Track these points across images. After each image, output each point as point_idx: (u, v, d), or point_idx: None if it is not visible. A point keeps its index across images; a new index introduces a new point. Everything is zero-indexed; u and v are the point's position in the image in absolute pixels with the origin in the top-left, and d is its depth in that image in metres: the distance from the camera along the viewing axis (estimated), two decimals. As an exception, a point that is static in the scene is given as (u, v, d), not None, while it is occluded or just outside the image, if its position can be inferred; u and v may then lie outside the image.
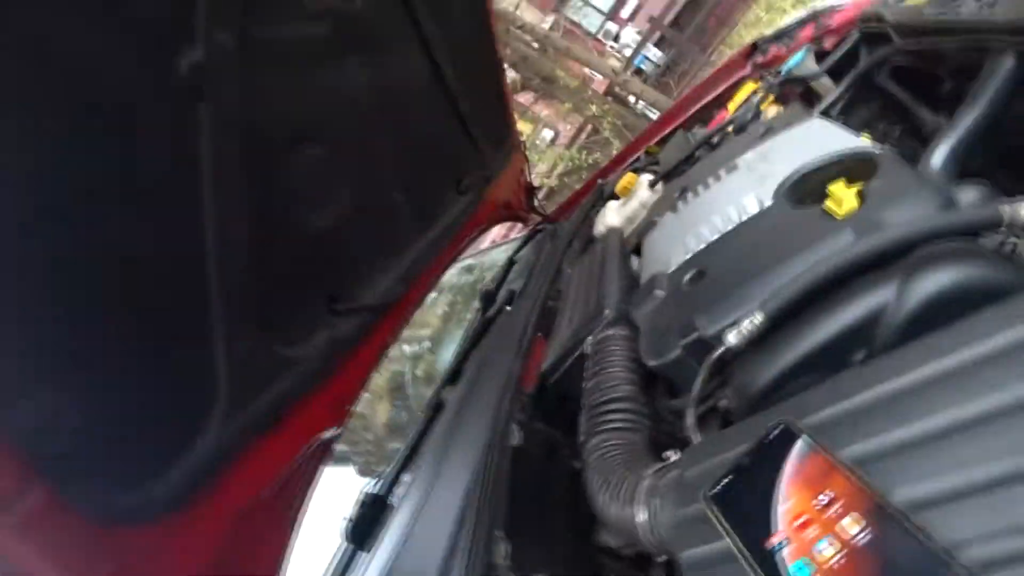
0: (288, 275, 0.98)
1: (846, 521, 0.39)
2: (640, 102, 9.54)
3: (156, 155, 0.74)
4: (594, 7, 11.43)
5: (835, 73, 1.42)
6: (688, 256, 0.96)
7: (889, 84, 1.28)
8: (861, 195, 0.77)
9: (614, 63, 10.23)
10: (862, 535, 0.38)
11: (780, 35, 1.72)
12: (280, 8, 0.98)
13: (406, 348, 2.39)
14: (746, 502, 0.49)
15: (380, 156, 1.25)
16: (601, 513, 0.73)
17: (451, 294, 2.73)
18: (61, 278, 0.64)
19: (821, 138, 0.99)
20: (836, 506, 0.40)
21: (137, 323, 0.72)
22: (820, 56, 1.49)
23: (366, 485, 1.19)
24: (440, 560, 0.84)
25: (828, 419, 0.49)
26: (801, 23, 1.65)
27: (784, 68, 1.51)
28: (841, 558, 0.38)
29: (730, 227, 0.93)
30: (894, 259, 0.64)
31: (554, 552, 0.93)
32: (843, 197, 0.78)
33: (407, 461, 1.22)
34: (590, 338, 1.01)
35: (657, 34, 11.02)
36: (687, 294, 0.87)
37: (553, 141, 10.82)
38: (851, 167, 0.85)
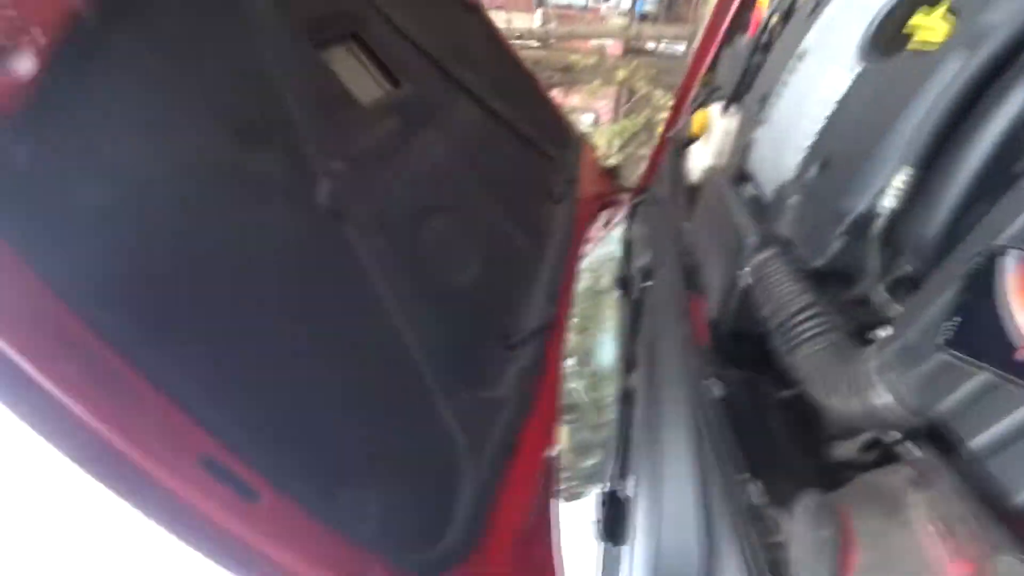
0: (464, 331, 1.12)
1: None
2: (662, 43, 9.26)
3: (334, 280, 0.90)
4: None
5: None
6: (804, 154, 0.96)
7: None
8: (949, 14, 0.75)
9: (618, 21, 10.03)
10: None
11: None
12: (357, 122, 1.14)
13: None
14: (980, 334, 0.50)
15: (482, 200, 1.38)
16: (838, 415, 0.74)
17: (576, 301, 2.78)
18: (321, 398, 0.80)
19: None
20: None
21: (386, 412, 0.87)
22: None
23: (598, 487, 1.26)
24: (701, 523, 0.88)
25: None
26: None
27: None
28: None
29: (831, 109, 0.93)
30: (1016, 58, 0.62)
31: (799, 480, 0.94)
32: (932, 25, 0.77)
33: (622, 452, 1.28)
34: (746, 270, 1.02)
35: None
36: (822, 186, 0.88)
37: (596, 122, 10.73)
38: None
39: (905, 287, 0.78)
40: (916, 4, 0.82)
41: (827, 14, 1.10)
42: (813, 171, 0.90)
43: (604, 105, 10.50)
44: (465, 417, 0.98)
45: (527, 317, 1.32)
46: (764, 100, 1.22)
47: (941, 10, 0.77)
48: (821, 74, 0.99)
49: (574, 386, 2.41)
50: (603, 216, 2.18)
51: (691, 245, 1.43)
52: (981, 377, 0.50)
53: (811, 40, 1.10)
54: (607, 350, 2.14)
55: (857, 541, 0.63)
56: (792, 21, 1.35)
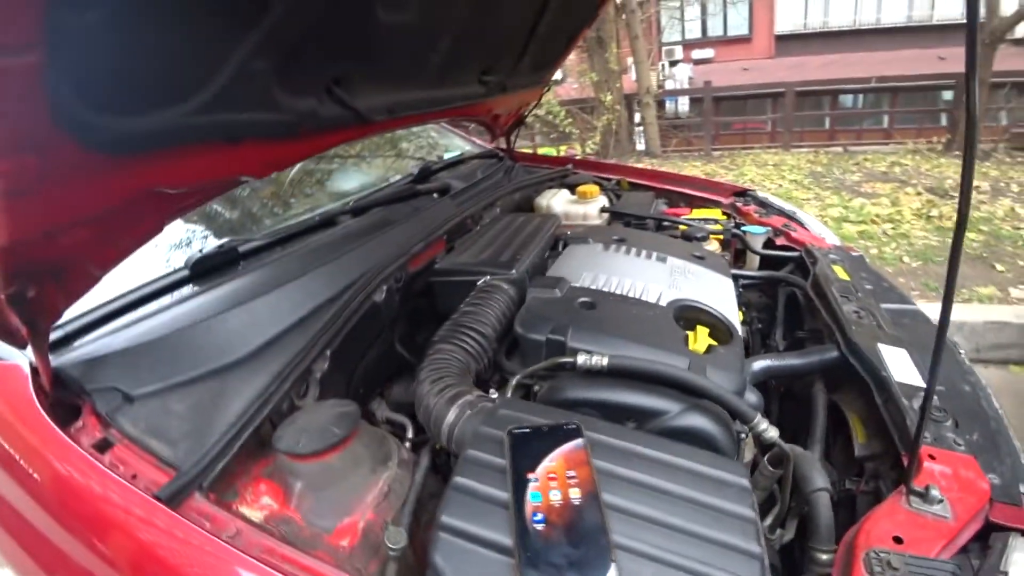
0: None
1: (574, 491, 0.66)
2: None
3: None
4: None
5: (764, 262, 1.74)
6: (592, 287, 1.20)
7: (779, 300, 1.59)
8: (709, 348, 1.06)
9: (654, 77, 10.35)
10: (575, 500, 0.65)
11: (764, 204, 2.03)
12: None
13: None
14: (527, 449, 0.73)
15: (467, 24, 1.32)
16: (418, 398, 0.93)
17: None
18: None
19: (721, 293, 1.27)
20: (574, 480, 0.67)
21: None
22: (769, 244, 1.80)
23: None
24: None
25: (603, 441, 0.75)
26: (780, 212, 1.97)
27: (745, 228, 1.82)
28: (557, 506, 0.64)
29: (630, 293, 1.19)
30: (691, 393, 0.92)
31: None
32: (699, 340, 1.08)
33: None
34: (488, 278, 1.20)
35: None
36: (576, 311, 1.11)
37: (558, 82, 10.69)
38: (719, 327, 1.14)
39: (519, 393, 1.00)
40: (711, 325, 1.12)
41: (695, 267, 1.36)
42: (582, 299, 1.14)
43: (577, 86, 10.51)
44: None
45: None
46: (622, 242, 1.45)
47: (711, 341, 1.08)
48: (652, 279, 1.23)
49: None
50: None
51: (483, 222, 1.60)
52: (501, 462, 0.72)
53: (674, 263, 1.34)
54: (354, 180, 2.12)
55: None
56: (684, 242, 1.64)
